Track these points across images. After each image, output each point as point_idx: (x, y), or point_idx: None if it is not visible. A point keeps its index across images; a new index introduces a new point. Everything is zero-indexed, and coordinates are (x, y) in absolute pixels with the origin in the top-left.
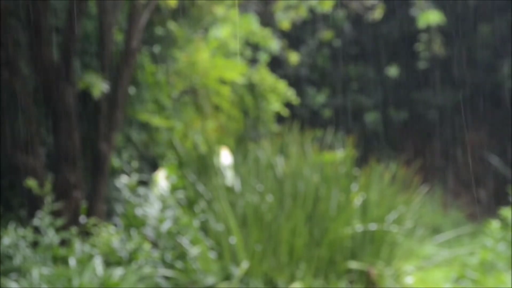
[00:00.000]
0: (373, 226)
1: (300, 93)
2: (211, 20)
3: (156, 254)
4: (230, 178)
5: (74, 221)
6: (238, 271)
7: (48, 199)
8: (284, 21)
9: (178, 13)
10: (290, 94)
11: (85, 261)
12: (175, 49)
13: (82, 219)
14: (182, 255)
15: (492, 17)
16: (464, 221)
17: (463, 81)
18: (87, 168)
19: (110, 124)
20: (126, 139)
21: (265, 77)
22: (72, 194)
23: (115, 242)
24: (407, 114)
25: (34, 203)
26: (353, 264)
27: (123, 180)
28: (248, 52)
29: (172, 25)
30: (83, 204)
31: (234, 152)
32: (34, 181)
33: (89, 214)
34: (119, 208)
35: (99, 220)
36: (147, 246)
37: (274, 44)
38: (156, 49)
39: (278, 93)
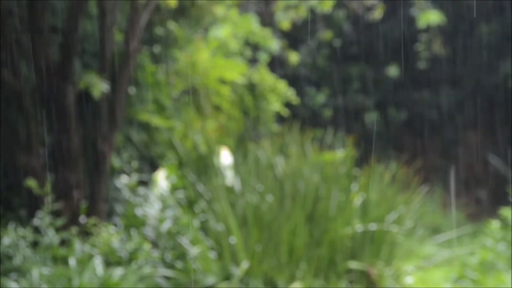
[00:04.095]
0: (373, 226)
1: (300, 93)
2: (211, 20)
3: (156, 254)
4: (230, 178)
5: (74, 221)
6: (238, 271)
7: (48, 199)
8: (284, 21)
9: (178, 13)
10: (290, 94)
11: (85, 261)
12: (175, 49)
13: (82, 219)
14: (182, 255)
15: (492, 17)
16: (464, 221)
17: (462, 81)
18: (87, 168)
19: (110, 124)
20: (126, 139)
21: (265, 77)
22: (72, 194)
23: (115, 242)
24: (407, 114)
25: (34, 203)
26: (353, 264)
27: (123, 180)
28: (248, 52)
29: (172, 25)
30: (83, 204)
31: (234, 152)
32: (34, 181)
33: (89, 214)
34: (119, 208)
35: (99, 220)
36: (147, 246)
37: (274, 44)
38: (156, 49)
39: (278, 93)
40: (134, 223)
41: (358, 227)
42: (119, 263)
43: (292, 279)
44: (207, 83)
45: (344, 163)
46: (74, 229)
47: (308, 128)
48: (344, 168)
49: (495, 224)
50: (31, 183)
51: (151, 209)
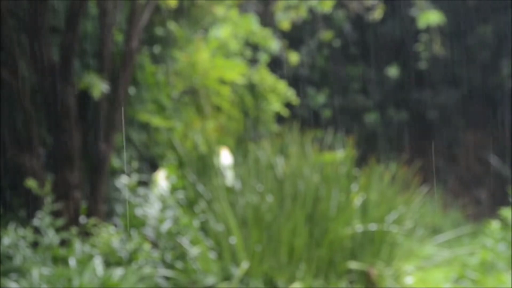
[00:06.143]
0: (373, 226)
1: (300, 93)
2: (211, 20)
3: (156, 254)
4: (230, 178)
5: (74, 221)
6: (238, 271)
7: (48, 199)
8: (284, 21)
9: (178, 13)
10: (290, 94)
11: (85, 261)
12: (175, 49)
13: (82, 219)
14: (182, 255)
15: (492, 17)
16: (464, 221)
17: (463, 81)
18: (87, 168)
19: (110, 124)
20: (126, 139)
21: (265, 77)
22: (72, 194)
23: (115, 242)
24: (407, 114)
25: (34, 203)
26: (353, 264)
27: (123, 180)
28: (248, 52)
29: (172, 25)
30: (83, 204)
31: (234, 152)
32: (34, 181)
33: (89, 214)
34: (119, 208)
35: (99, 220)
36: (147, 246)
37: (274, 44)
38: (156, 49)
39: (278, 93)
40: (134, 223)
41: (358, 227)
42: (119, 263)
43: (292, 279)
44: (207, 83)
45: (344, 163)
46: (74, 229)
47: (308, 128)
48: (344, 168)
49: (495, 224)
50: (31, 183)
51: (151, 209)
